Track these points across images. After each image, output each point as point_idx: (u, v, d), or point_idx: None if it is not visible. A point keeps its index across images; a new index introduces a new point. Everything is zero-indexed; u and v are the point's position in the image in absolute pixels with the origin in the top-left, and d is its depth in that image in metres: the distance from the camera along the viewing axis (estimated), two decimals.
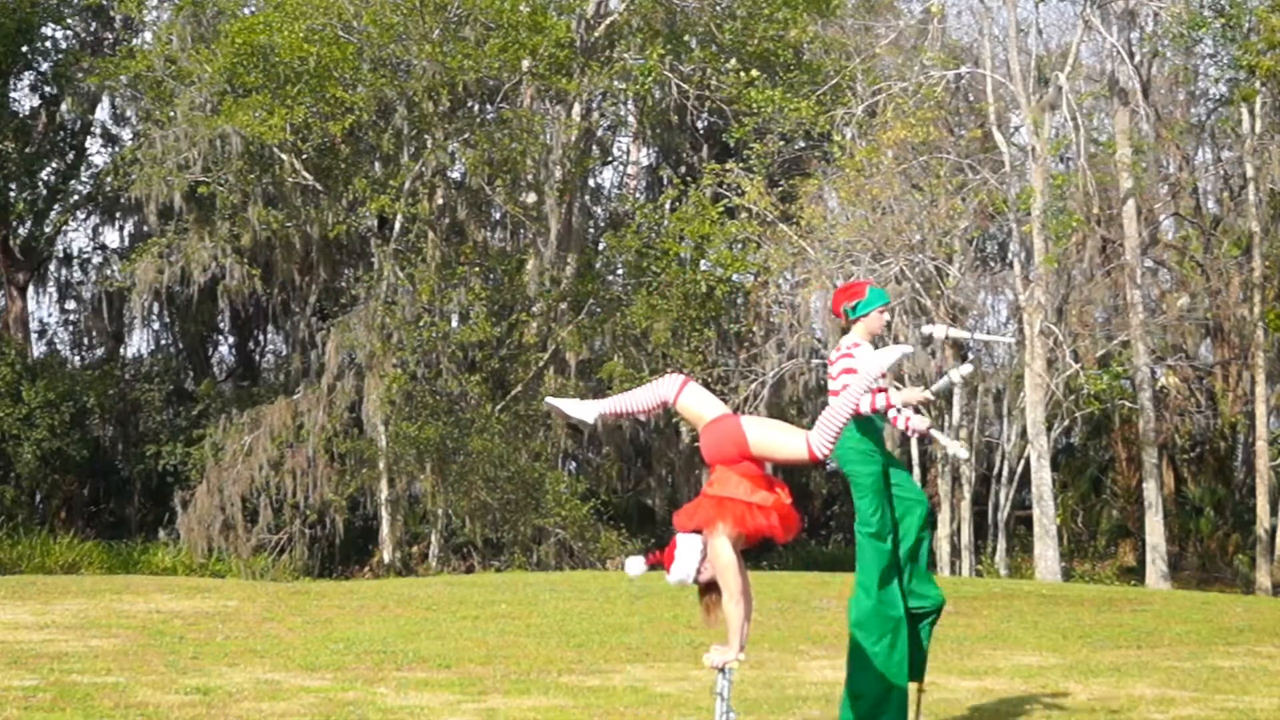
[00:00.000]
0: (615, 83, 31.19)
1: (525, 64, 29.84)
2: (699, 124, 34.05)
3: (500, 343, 30.37)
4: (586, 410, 7.19)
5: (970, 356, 28.73)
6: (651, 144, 35.83)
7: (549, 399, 7.44)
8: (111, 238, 36.55)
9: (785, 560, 30.79)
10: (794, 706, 9.34)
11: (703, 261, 30.85)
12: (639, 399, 7.20)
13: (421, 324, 29.34)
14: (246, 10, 30.80)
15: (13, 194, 33.12)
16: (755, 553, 6.93)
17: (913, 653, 8.10)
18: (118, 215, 35.45)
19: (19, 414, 30.36)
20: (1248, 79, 27.27)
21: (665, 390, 7.11)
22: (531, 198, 31.61)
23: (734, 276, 30.26)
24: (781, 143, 28.87)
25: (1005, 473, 30.57)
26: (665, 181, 33.44)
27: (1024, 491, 30.57)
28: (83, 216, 35.88)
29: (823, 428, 6.89)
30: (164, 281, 30.80)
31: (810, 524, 36.03)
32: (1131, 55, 28.76)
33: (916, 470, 30.94)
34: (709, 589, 7.00)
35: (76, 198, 34.75)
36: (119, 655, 10.89)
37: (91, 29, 34.97)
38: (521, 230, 32.39)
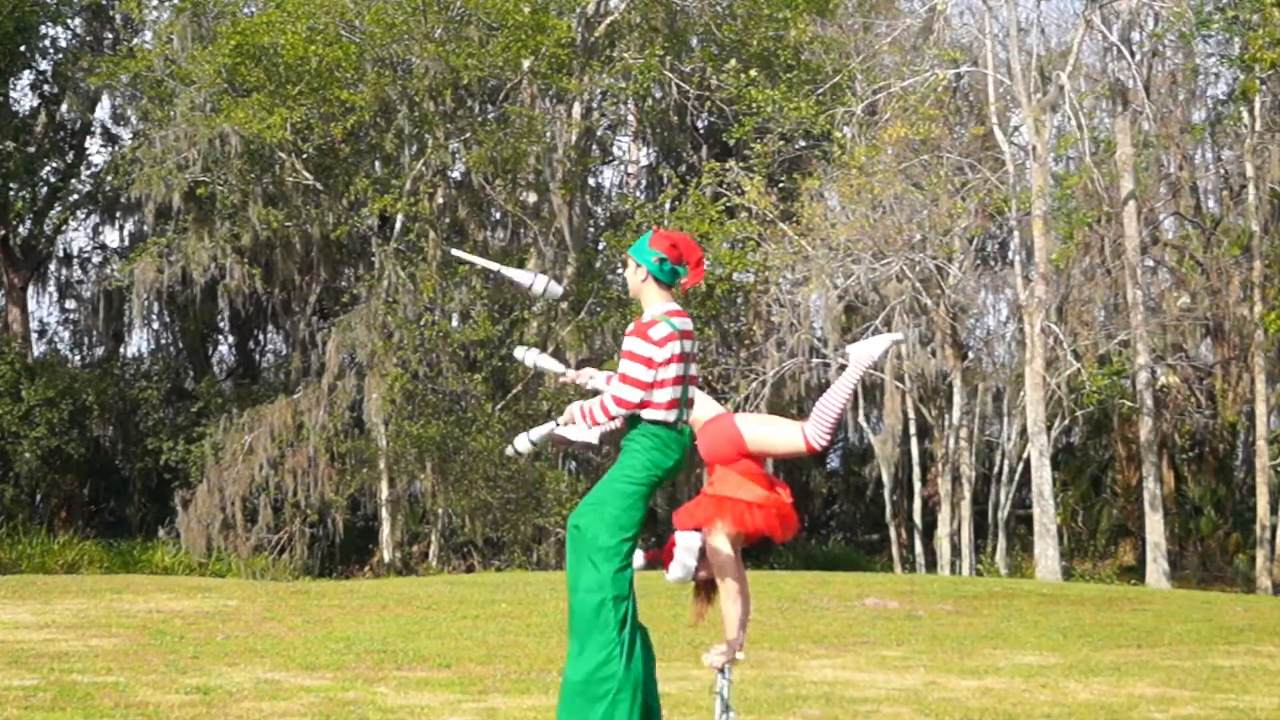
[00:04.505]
0: (615, 82, 31.20)
1: (526, 64, 29.85)
2: (699, 124, 34.05)
3: (501, 342, 30.36)
4: (589, 433, 7.16)
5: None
6: (651, 143, 35.83)
7: (554, 432, 7.26)
8: (111, 237, 36.60)
9: (785, 560, 30.79)
10: (794, 706, 9.34)
11: None
12: None
13: (422, 323, 29.34)
14: (247, 10, 30.77)
15: (13, 193, 33.11)
16: (755, 552, 6.88)
17: None
18: (118, 215, 35.43)
19: (18, 413, 30.36)
20: (1249, 74, 27.25)
21: None
22: (532, 197, 31.61)
23: (734, 275, 30.25)
24: (781, 142, 28.87)
25: (1005, 472, 30.57)
26: (665, 181, 33.43)
27: (1024, 491, 30.57)
28: (83, 216, 35.86)
29: (818, 418, 6.90)
30: (164, 281, 30.80)
31: (810, 523, 36.03)
32: (1132, 54, 28.76)
33: (916, 469, 30.95)
34: (706, 587, 7.01)
35: (76, 197, 34.73)
36: (119, 655, 10.89)
37: (91, 28, 34.95)
38: (522, 229, 32.39)
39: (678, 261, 6.61)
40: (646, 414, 6.49)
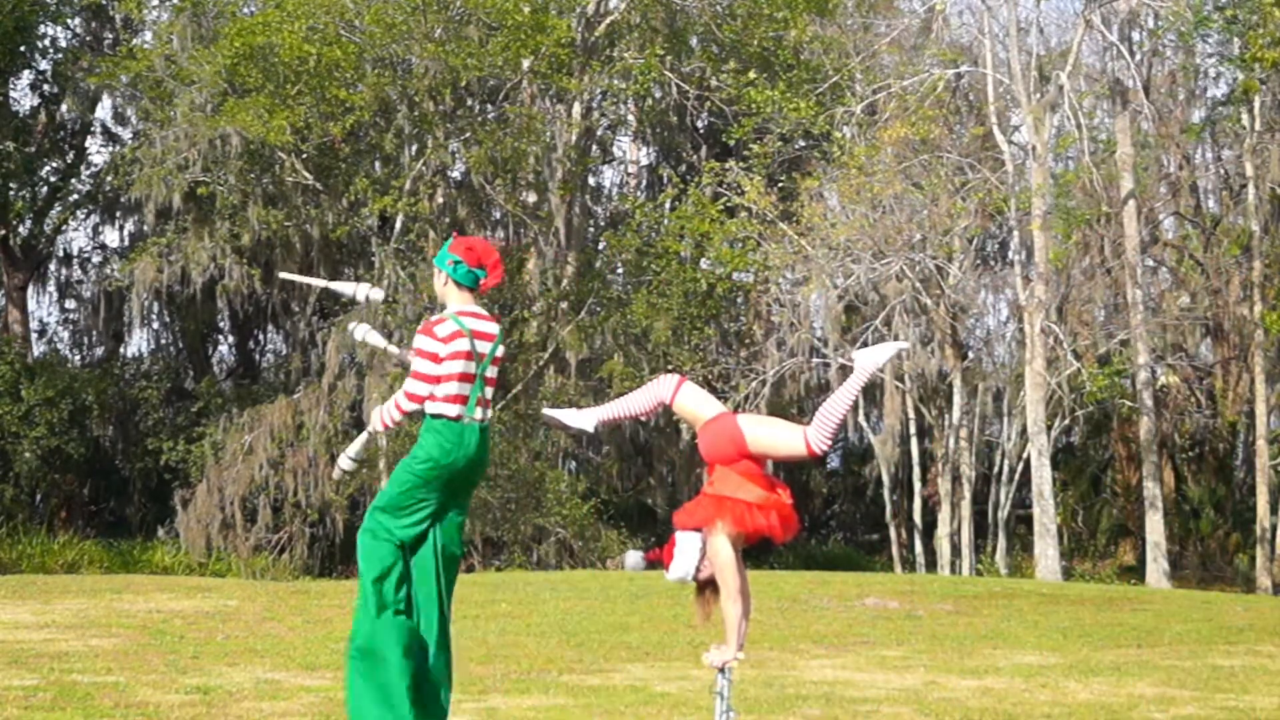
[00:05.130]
0: (615, 81, 31.20)
1: (526, 64, 29.85)
2: (699, 124, 34.06)
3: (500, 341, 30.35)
4: (585, 419, 7.22)
5: None
6: (651, 143, 35.83)
7: (546, 411, 7.45)
8: (111, 237, 36.57)
9: (785, 560, 30.79)
10: (794, 706, 9.34)
11: (703, 260, 30.87)
12: (636, 402, 7.21)
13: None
14: (247, 10, 30.76)
15: (13, 193, 33.10)
16: (755, 552, 6.90)
17: None
18: (118, 215, 35.42)
19: (18, 413, 30.36)
20: (1250, 73, 27.25)
21: (662, 391, 7.12)
22: (532, 197, 31.62)
23: (734, 275, 30.26)
24: (781, 142, 28.87)
25: (1005, 472, 30.57)
26: (665, 181, 33.44)
27: (1024, 490, 30.56)
28: (83, 216, 35.85)
29: (821, 423, 6.90)
30: (164, 281, 30.80)
31: (810, 523, 36.03)
32: (1132, 54, 28.76)
33: (916, 469, 30.94)
34: (707, 587, 7.01)
35: (76, 197, 34.72)
36: (119, 655, 10.89)
37: (91, 28, 34.94)
38: (522, 229, 32.41)
39: (475, 264, 6.89)
40: (429, 407, 6.77)
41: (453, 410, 6.76)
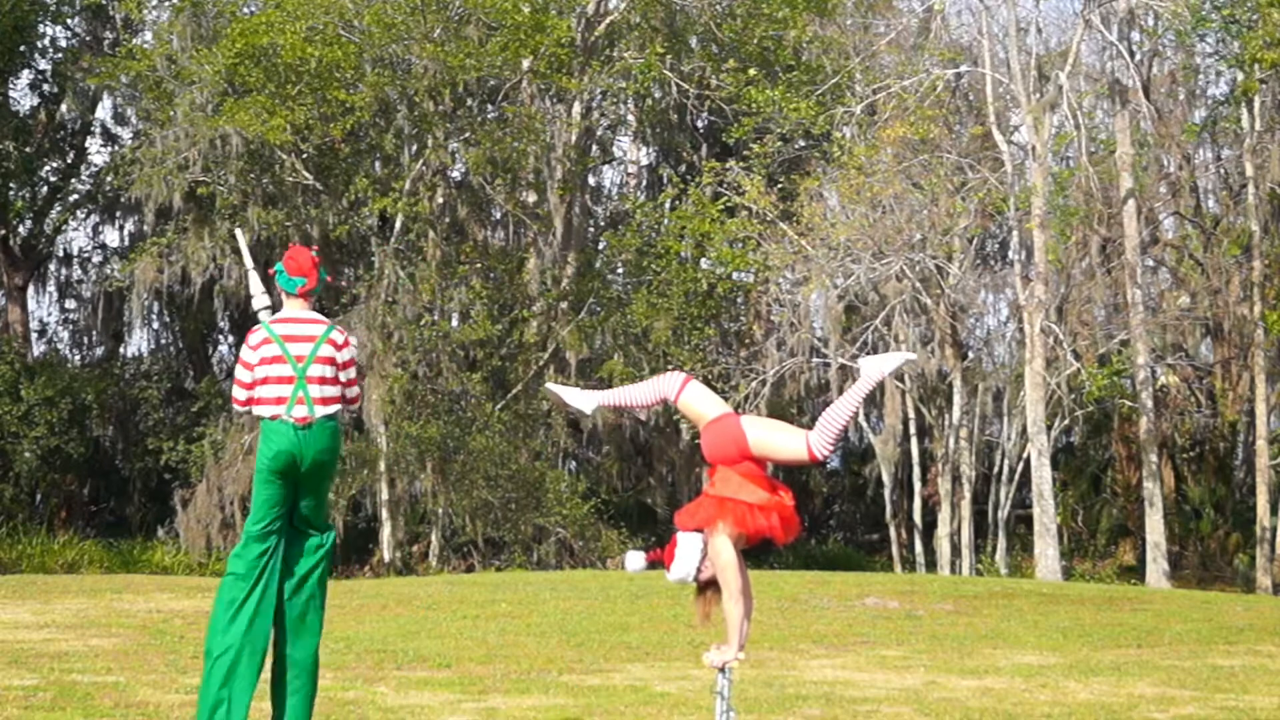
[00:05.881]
0: (615, 81, 31.21)
1: (525, 63, 29.87)
2: (699, 123, 34.07)
3: (501, 341, 30.37)
4: (586, 400, 7.32)
5: None
6: (651, 143, 35.84)
7: (549, 385, 7.78)
8: (111, 237, 36.61)
9: (785, 560, 30.79)
10: (794, 706, 9.35)
11: (703, 260, 30.86)
12: (640, 394, 7.25)
13: (422, 323, 29.34)
14: (247, 10, 30.77)
15: (13, 193, 33.11)
16: (755, 553, 6.94)
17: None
18: (118, 215, 35.45)
19: (18, 412, 30.37)
20: (1248, 74, 27.25)
21: (667, 387, 7.14)
22: (532, 197, 31.63)
23: (734, 275, 30.26)
24: (781, 142, 28.87)
25: (1005, 472, 30.57)
26: (665, 181, 33.44)
27: (1024, 490, 30.57)
28: (83, 216, 35.88)
29: (824, 428, 6.91)
30: (164, 281, 30.82)
31: (810, 523, 36.02)
32: (1132, 54, 28.76)
33: (916, 469, 30.93)
34: (708, 587, 7.01)
35: (76, 197, 34.74)
36: (119, 655, 10.90)
37: (91, 28, 34.95)
38: (522, 229, 32.41)
39: (295, 273, 7.44)
40: (255, 409, 7.34)
41: (268, 411, 7.28)
